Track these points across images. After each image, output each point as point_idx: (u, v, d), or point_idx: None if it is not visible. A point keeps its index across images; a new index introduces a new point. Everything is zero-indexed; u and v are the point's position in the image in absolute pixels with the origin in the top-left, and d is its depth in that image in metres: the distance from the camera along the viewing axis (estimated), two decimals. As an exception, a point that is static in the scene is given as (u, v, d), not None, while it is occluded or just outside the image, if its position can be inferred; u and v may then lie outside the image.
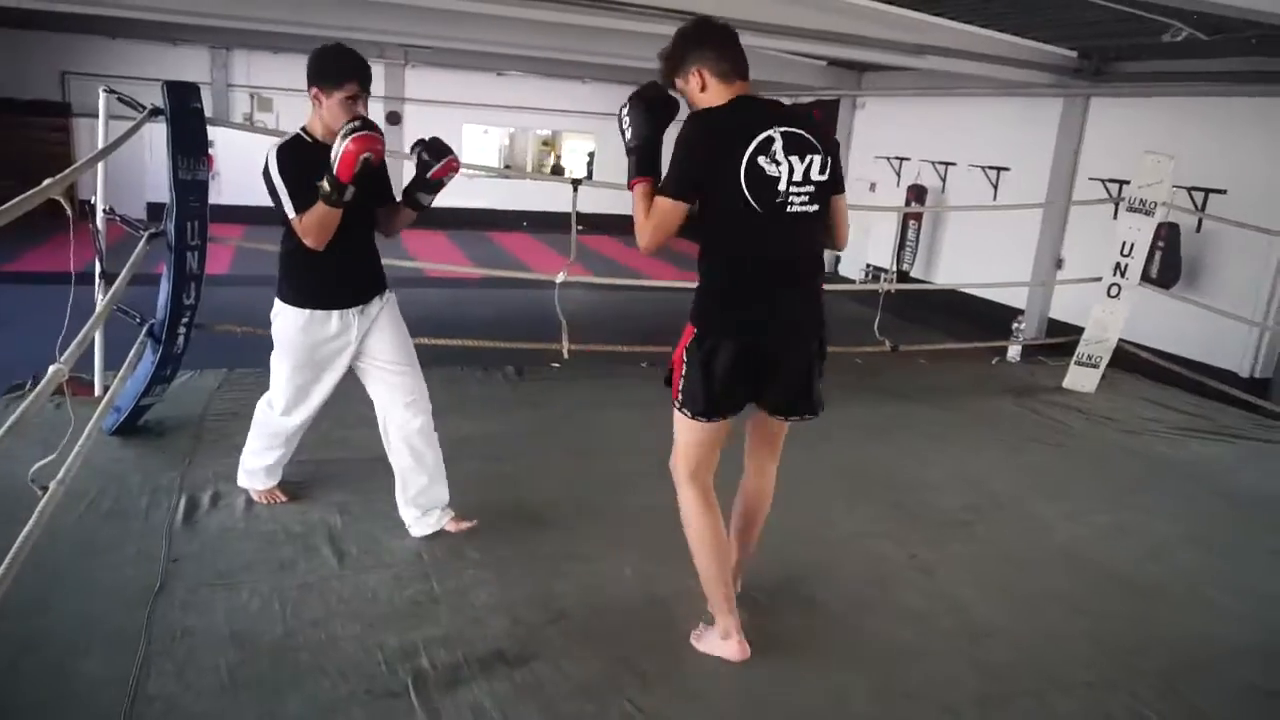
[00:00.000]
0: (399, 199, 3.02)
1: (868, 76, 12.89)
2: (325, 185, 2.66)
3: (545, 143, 18.28)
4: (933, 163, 11.77)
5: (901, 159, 12.44)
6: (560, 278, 4.64)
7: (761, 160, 2.24)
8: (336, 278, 2.93)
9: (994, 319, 9.55)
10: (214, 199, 4.01)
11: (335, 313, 2.94)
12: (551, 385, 5.15)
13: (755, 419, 2.56)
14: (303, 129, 2.87)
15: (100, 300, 3.53)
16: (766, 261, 2.34)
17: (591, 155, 17.54)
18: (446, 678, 2.39)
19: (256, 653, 2.43)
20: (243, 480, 3.34)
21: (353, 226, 2.85)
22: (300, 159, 2.77)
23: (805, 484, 3.64)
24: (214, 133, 4.80)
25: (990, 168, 10.84)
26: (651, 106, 2.39)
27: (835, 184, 2.38)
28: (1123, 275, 5.67)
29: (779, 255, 2.34)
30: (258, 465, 3.28)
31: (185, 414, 4.13)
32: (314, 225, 2.73)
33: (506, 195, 16.38)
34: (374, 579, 2.86)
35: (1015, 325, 6.96)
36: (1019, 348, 6.72)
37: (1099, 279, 5.83)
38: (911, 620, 2.88)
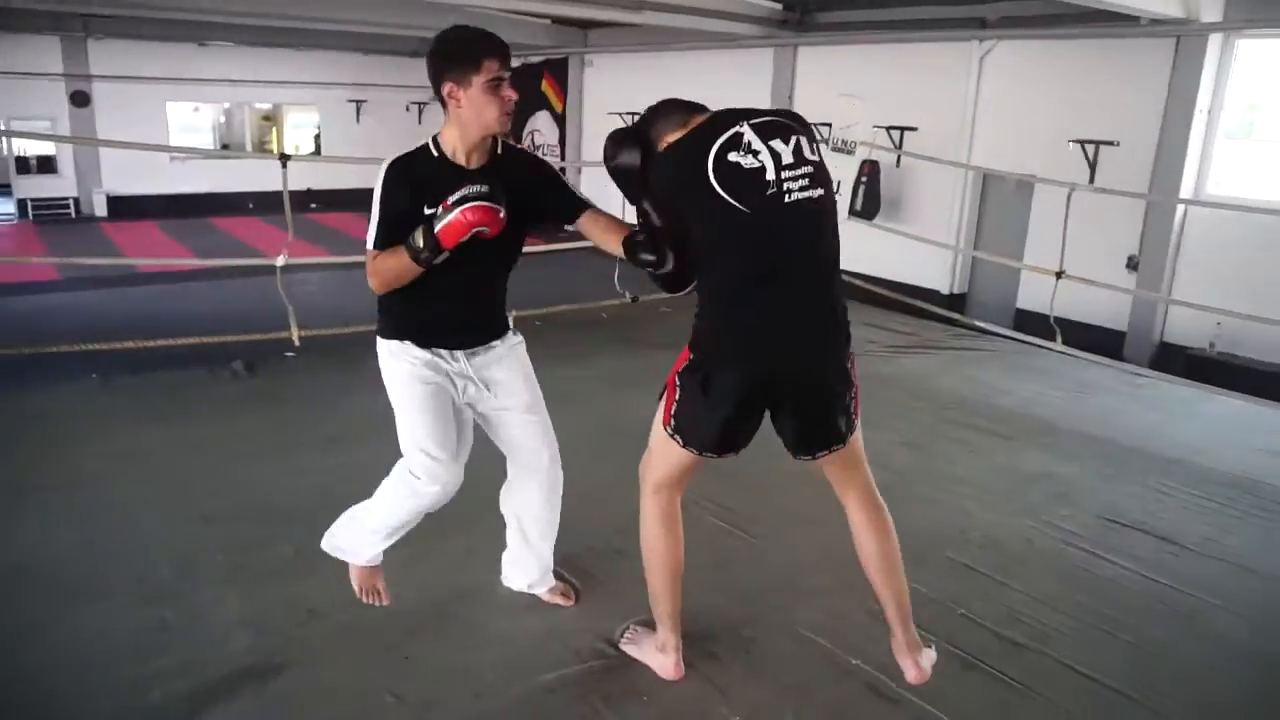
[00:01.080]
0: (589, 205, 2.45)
1: (593, 34, 13.03)
2: (419, 240, 2.15)
3: (266, 118, 17.03)
4: (662, 117, 12.14)
5: (633, 114, 12.70)
6: (280, 261, 4.35)
7: (733, 156, 1.97)
8: (434, 321, 2.39)
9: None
10: None
11: (436, 352, 2.40)
12: (286, 376, 4.85)
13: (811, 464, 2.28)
14: (433, 140, 2.32)
15: None
16: (772, 265, 2.02)
17: (319, 128, 16.58)
18: (184, 709, 2.21)
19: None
20: (335, 549, 2.62)
21: (469, 280, 2.35)
22: (413, 179, 2.26)
23: (560, 437, 3.68)
24: None
25: (715, 118, 11.36)
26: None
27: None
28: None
29: (786, 255, 2.03)
30: (351, 547, 2.58)
31: None
32: (385, 272, 2.25)
33: (228, 176, 15.18)
34: (93, 610, 2.59)
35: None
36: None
37: (814, 217, 6.27)
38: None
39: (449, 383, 2.40)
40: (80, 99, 13.63)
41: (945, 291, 8.76)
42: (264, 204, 14.11)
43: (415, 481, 2.37)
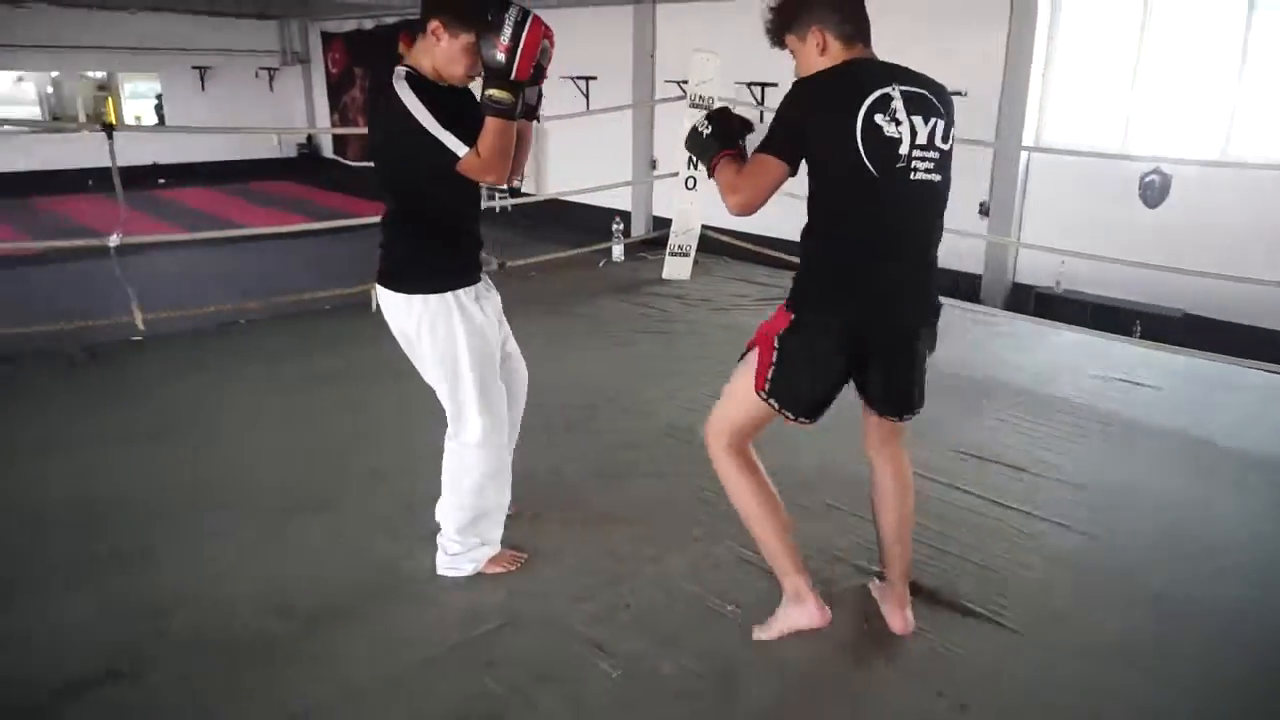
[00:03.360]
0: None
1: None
2: (499, 92, 2.15)
3: (101, 87, 15.85)
4: (526, 77, 11.94)
5: (491, 76, 12.47)
6: (114, 240, 4.07)
7: (879, 119, 1.97)
8: (463, 249, 2.44)
9: (602, 225, 10.06)
10: None
11: (477, 288, 2.45)
12: (129, 363, 4.57)
13: (868, 417, 2.33)
14: (409, 66, 2.29)
15: None
16: (885, 234, 2.07)
17: (159, 98, 15.55)
18: None
19: None
20: (465, 566, 2.64)
21: (472, 184, 2.35)
22: (433, 95, 2.23)
23: (423, 413, 3.62)
24: None
25: (579, 78, 11.23)
26: (731, 125, 2.18)
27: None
28: (696, 168, 6.18)
29: (898, 228, 2.07)
30: (487, 537, 2.64)
31: None
32: (496, 151, 2.21)
33: (61, 153, 14.12)
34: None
35: (615, 226, 7.37)
36: (621, 247, 7.14)
37: (677, 174, 6.32)
38: (540, 519, 3.00)
39: (493, 342, 2.48)
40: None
41: (808, 243, 8.99)
42: (105, 181, 13.19)
43: (462, 451, 2.48)
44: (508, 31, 2.11)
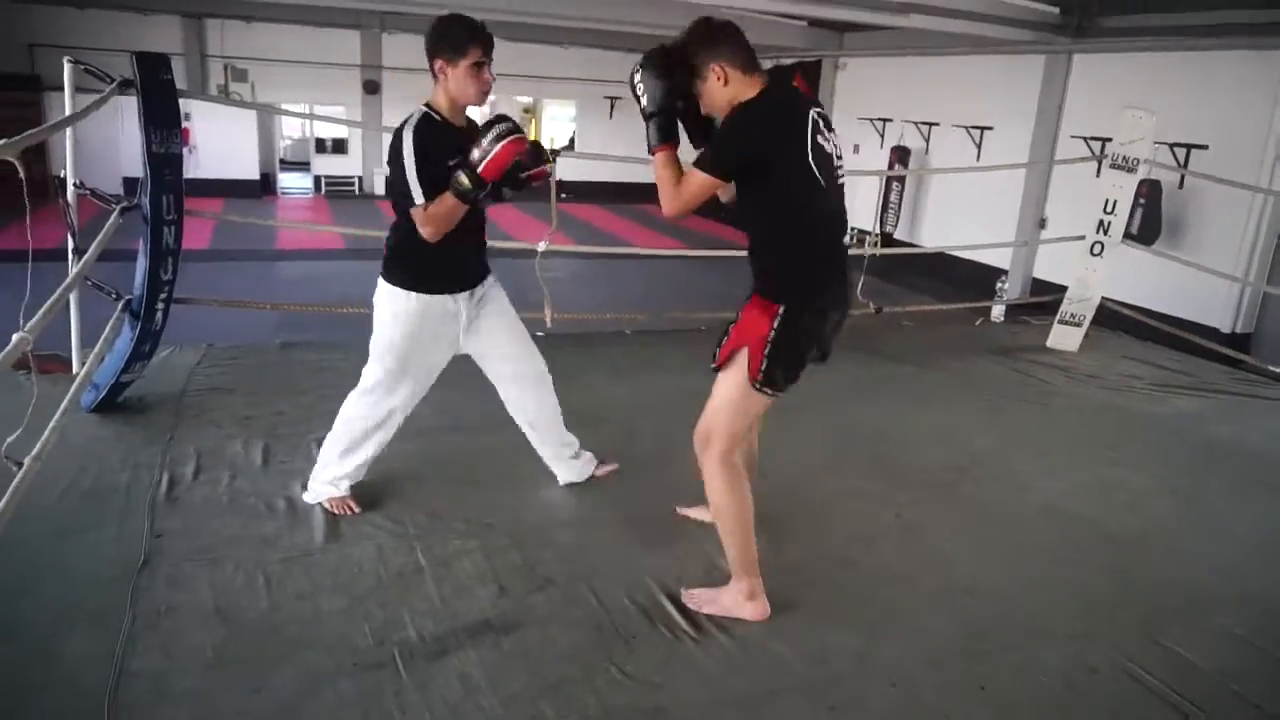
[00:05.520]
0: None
1: (848, 37, 12.80)
2: (465, 180, 2.58)
3: (526, 110, 18.08)
4: (916, 123, 11.72)
5: (884, 120, 12.38)
6: (542, 246, 4.58)
7: (818, 138, 2.36)
8: (450, 264, 2.88)
9: (979, 280, 9.58)
10: (190, 173, 3.98)
11: (445, 297, 2.89)
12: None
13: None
14: (428, 105, 2.75)
15: (71, 273, 3.48)
16: (835, 232, 2.50)
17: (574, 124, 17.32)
18: (433, 648, 2.39)
19: (241, 628, 2.43)
20: (317, 492, 3.12)
21: (473, 213, 2.78)
22: (435, 141, 2.67)
23: (791, 446, 3.66)
24: (189, 105, 4.71)
25: (974, 127, 10.80)
26: (666, 72, 2.44)
27: None
28: (1106, 233, 5.67)
29: (839, 225, 2.51)
30: (336, 474, 3.08)
31: (165, 390, 4.10)
32: (441, 218, 2.65)
33: (488, 164, 16.22)
34: (358, 551, 2.86)
35: (999, 285, 6.98)
36: (1003, 307, 6.75)
37: (1082, 237, 5.83)
38: (896, 579, 2.90)
39: (435, 342, 2.92)
40: (371, 87, 15.07)
41: (1226, 330, 7.88)
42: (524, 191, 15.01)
43: (356, 399, 2.99)
44: (490, 136, 2.57)
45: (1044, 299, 6.68)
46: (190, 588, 2.59)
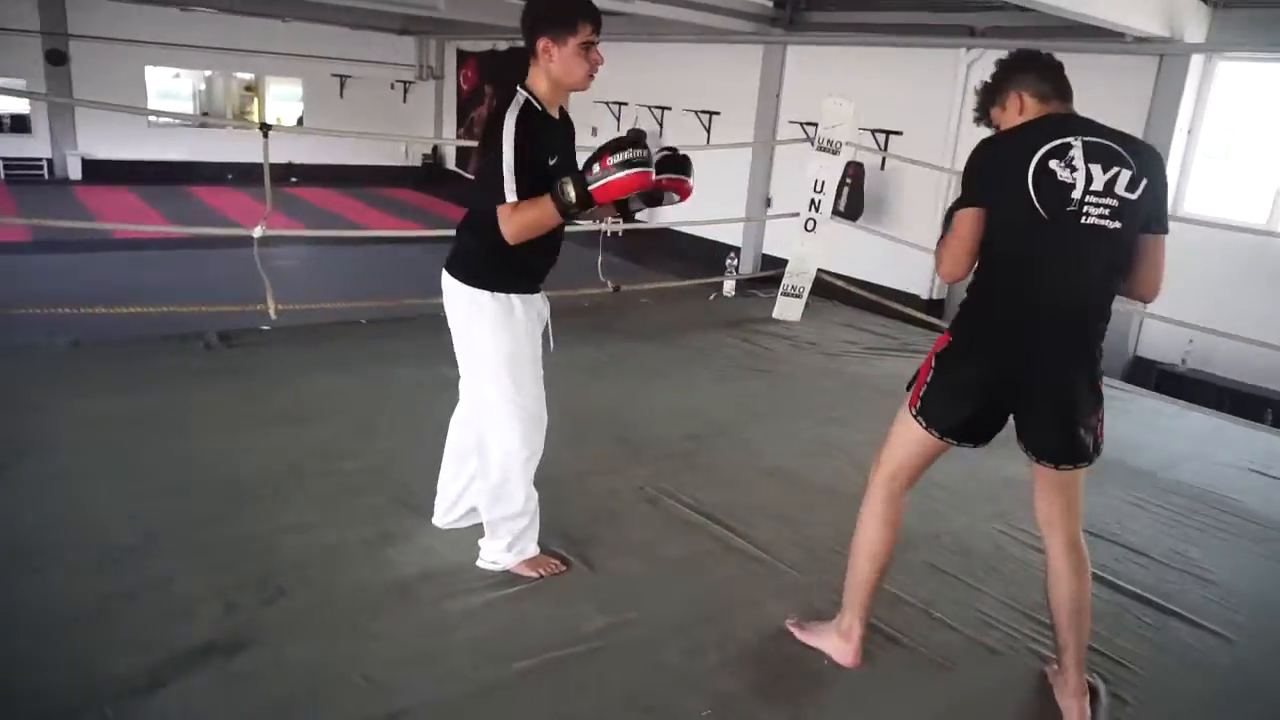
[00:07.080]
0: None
1: (583, 21, 12.95)
2: (572, 194, 2.27)
3: (248, 88, 16.77)
4: (650, 107, 12.10)
5: (620, 104, 12.67)
6: (258, 231, 4.27)
7: (1053, 164, 2.04)
8: (538, 265, 2.58)
9: (713, 257, 10.08)
10: None
11: (536, 296, 2.59)
12: (260, 350, 4.76)
13: (1035, 470, 2.31)
14: (525, 89, 2.41)
15: None
16: (1047, 276, 2.11)
17: (301, 102, 16.34)
18: (144, 682, 2.16)
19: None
20: (510, 561, 2.73)
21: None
22: (535, 133, 2.34)
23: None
24: None
25: (703, 112, 11.33)
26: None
27: (1151, 213, 2.12)
28: (817, 210, 6.14)
29: (1063, 272, 2.10)
30: (524, 533, 2.71)
31: None
32: (529, 224, 2.32)
33: (207, 145, 14.97)
34: (50, 580, 2.53)
35: (729, 261, 7.37)
36: (733, 283, 7.12)
37: (798, 214, 6.28)
38: (640, 549, 2.99)
39: (538, 327, 2.58)
40: (57, 57, 13.33)
41: (925, 296, 8.81)
42: (243, 175, 13.91)
43: (513, 438, 2.55)
44: (618, 158, 2.25)
45: (771, 274, 7.14)
46: None
